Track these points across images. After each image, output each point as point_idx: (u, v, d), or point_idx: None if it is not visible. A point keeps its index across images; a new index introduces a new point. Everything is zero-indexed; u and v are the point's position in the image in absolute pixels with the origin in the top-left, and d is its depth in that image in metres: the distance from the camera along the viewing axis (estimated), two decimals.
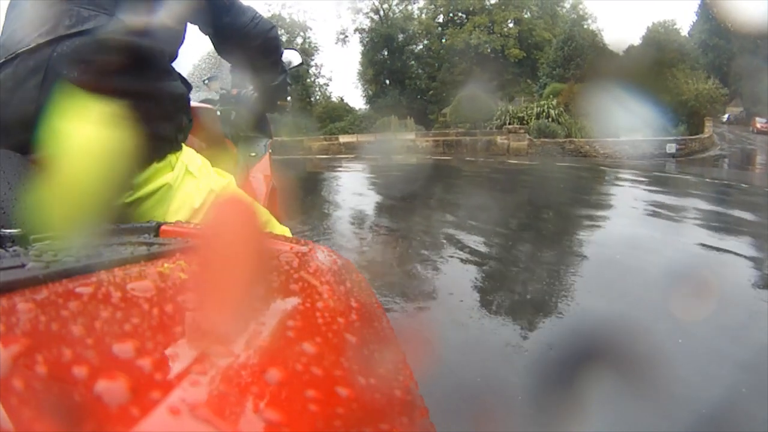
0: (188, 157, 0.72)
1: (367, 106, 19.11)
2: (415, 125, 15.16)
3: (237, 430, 0.14)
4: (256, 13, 0.84)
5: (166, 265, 0.27)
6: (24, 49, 0.59)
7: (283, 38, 18.02)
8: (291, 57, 1.13)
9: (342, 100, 19.91)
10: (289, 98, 1.15)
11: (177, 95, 0.69)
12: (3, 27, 0.65)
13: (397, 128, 14.45)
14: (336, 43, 20.94)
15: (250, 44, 0.86)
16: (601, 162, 10.25)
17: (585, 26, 16.96)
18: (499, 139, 12.36)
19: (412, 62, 19.23)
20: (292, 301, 0.24)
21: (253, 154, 1.31)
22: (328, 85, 20.49)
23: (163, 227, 0.38)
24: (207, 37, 0.85)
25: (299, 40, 19.01)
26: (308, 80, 18.87)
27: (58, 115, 0.49)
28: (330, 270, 0.31)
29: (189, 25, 0.76)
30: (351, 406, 0.17)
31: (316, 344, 0.20)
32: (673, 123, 13.78)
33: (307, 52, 18.44)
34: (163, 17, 0.64)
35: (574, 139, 11.58)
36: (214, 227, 0.31)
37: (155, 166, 0.66)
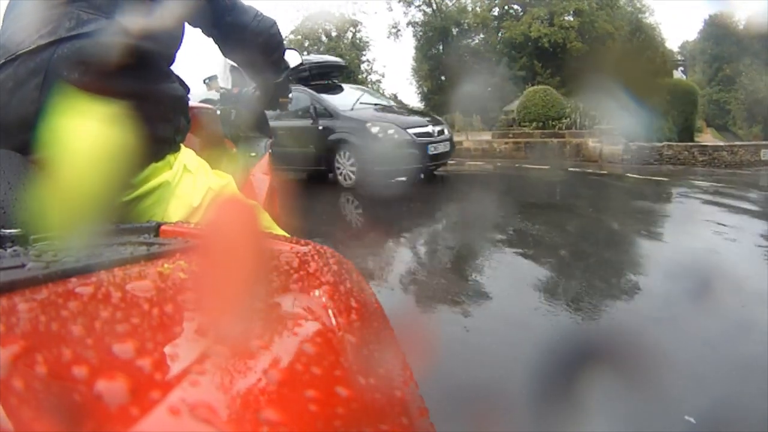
0: (186, 156, 0.73)
1: (422, 104, 17.33)
2: (481, 124, 13.30)
3: (237, 430, 0.14)
4: (257, 11, 0.87)
5: (166, 265, 0.27)
6: (25, 50, 0.60)
7: (332, 34, 17.34)
8: (290, 57, 1.13)
9: (396, 97, 18.13)
10: (290, 95, 1.17)
11: (176, 97, 0.71)
12: (2, 28, 0.66)
13: (462, 127, 12.55)
14: (388, 37, 18.79)
15: (254, 41, 0.88)
16: (720, 175, 6.95)
17: (643, 19, 15.68)
18: (591, 143, 10.13)
19: (468, 57, 17.48)
20: (292, 301, 0.24)
21: (253, 154, 1.31)
22: (380, 82, 18.67)
23: (162, 227, 0.38)
24: (210, 41, 0.86)
25: (348, 35, 17.91)
26: (360, 76, 17.45)
27: (58, 116, 0.49)
28: (330, 270, 0.31)
29: (192, 29, 0.77)
30: (351, 406, 0.17)
31: (316, 344, 0.20)
32: (747, 123, 12.70)
33: (357, 47, 17.54)
34: (161, 20, 0.65)
35: (672, 144, 9.57)
36: (213, 227, 0.31)
37: (154, 165, 0.67)
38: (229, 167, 0.93)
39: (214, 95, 1.74)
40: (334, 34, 17.69)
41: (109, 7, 0.63)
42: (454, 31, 17.72)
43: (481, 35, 18.07)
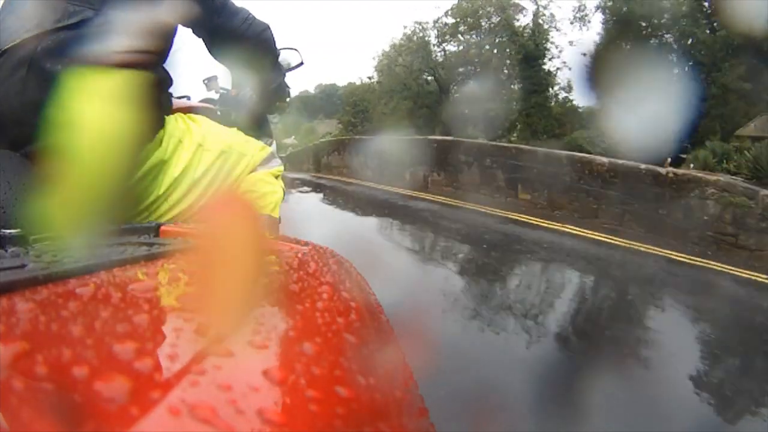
0: (170, 126, 0.74)
1: (600, 108, 12.51)
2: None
3: (237, 430, 0.14)
4: (249, 14, 0.85)
5: (166, 265, 0.27)
6: (11, 44, 0.60)
7: (493, 19, 13.92)
8: (290, 57, 1.12)
9: (568, 98, 14.62)
10: (288, 99, 1.15)
11: (160, 79, 0.71)
12: None
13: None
14: (572, 22, 14.42)
15: (243, 45, 0.86)
16: None
17: None
18: None
19: (661, 57, 12.58)
20: (292, 301, 0.24)
21: None
22: (556, 75, 14.58)
23: (163, 227, 0.38)
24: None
25: (524, 19, 14.20)
26: (542, 67, 14.10)
27: (44, 109, 0.50)
28: (330, 270, 0.31)
29: (182, 28, 0.77)
30: (351, 406, 0.17)
31: (316, 344, 0.20)
32: None
33: (539, 29, 14.17)
34: (149, 15, 0.65)
35: None
36: (213, 227, 0.31)
37: (146, 147, 0.69)
38: None
39: (214, 96, 1.74)
40: (495, 19, 14.44)
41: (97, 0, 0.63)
42: (643, 23, 12.98)
43: (681, 27, 12.87)
